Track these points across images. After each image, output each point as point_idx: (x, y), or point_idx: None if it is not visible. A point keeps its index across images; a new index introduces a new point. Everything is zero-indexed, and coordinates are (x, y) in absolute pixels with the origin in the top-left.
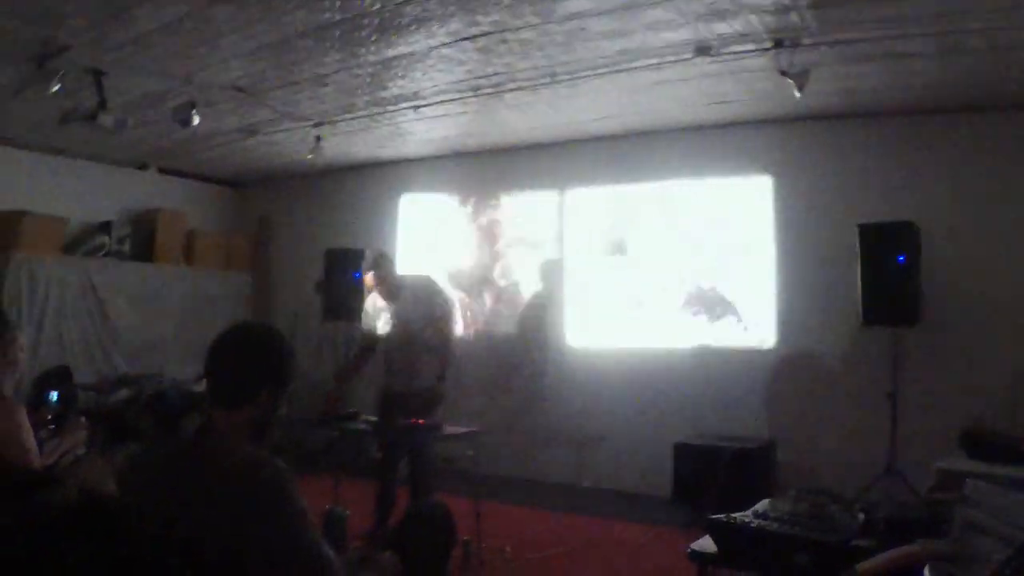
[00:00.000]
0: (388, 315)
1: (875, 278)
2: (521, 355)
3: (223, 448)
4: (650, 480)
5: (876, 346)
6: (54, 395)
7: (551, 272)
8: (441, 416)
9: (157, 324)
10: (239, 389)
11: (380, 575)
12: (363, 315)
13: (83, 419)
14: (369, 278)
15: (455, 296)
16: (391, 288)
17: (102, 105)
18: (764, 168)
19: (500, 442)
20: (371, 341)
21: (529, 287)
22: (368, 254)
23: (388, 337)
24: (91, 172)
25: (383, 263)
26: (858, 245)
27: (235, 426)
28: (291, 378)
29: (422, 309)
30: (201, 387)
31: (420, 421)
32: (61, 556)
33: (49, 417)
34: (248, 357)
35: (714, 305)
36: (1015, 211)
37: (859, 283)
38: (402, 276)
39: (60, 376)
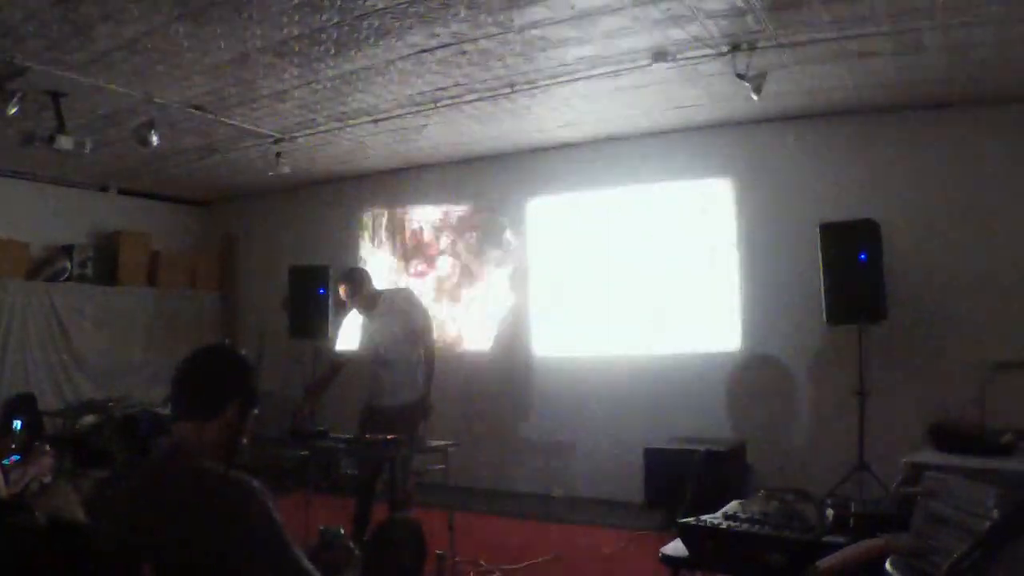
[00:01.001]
0: (368, 330)
1: (838, 277)
2: (491, 367)
3: (196, 468)
4: (622, 486)
5: (842, 344)
6: (18, 423)
7: (518, 283)
8: (424, 429)
9: (123, 347)
10: (207, 401)
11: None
12: (333, 334)
13: (47, 447)
14: (343, 291)
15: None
16: (368, 301)
17: (60, 127)
18: (725, 171)
19: (472, 454)
20: (339, 359)
21: (497, 299)
22: (342, 269)
23: (373, 352)
24: (52, 195)
25: (356, 276)
26: (820, 244)
27: (205, 443)
28: (256, 391)
29: (403, 320)
30: (168, 410)
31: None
32: None
33: (13, 446)
34: (214, 369)
35: (679, 310)
36: (975, 206)
37: (822, 282)
38: (380, 290)
39: (25, 403)
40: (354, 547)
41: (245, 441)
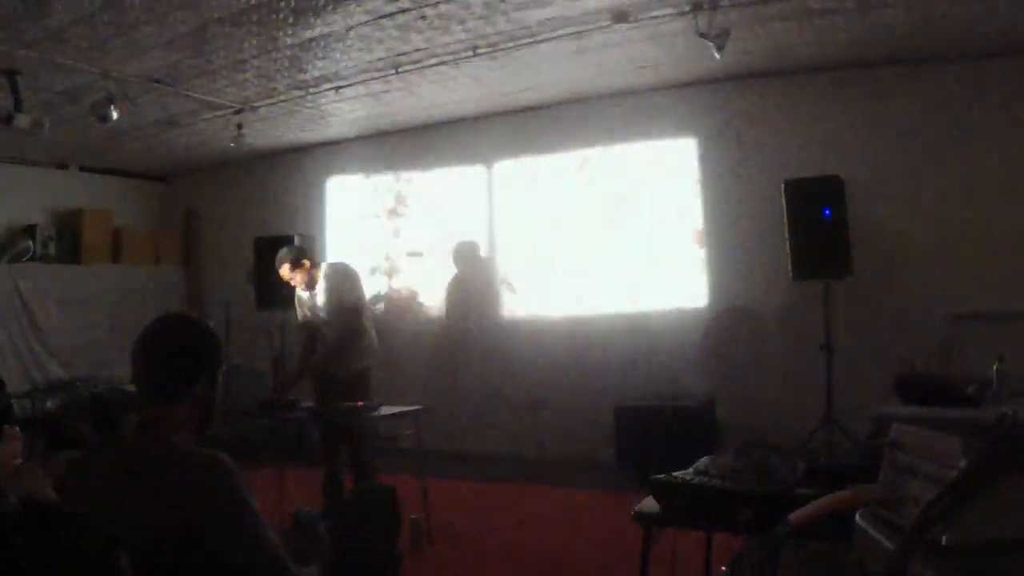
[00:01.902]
0: (309, 304)
1: (802, 233)
2: (455, 333)
3: (167, 446)
4: (594, 446)
5: (808, 300)
6: None
7: (466, 255)
8: (376, 396)
9: (89, 326)
10: (178, 383)
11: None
12: (297, 303)
13: (17, 429)
14: (285, 271)
15: (384, 280)
16: (311, 279)
17: (17, 106)
18: (690, 130)
19: (443, 419)
20: (311, 328)
21: (453, 268)
22: (281, 251)
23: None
24: (11, 174)
25: (293, 253)
26: (784, 201)
27: (177, 422)
28: (222, 360)
29: (334, 299)
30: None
31: (359, 404)
32: (4, 564)
33: None
34: (180, 348)
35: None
36: (937, 162)
37: (787, 238)
38: (320, 265)
39: None
40: (325, 534)
41: (214, 414)
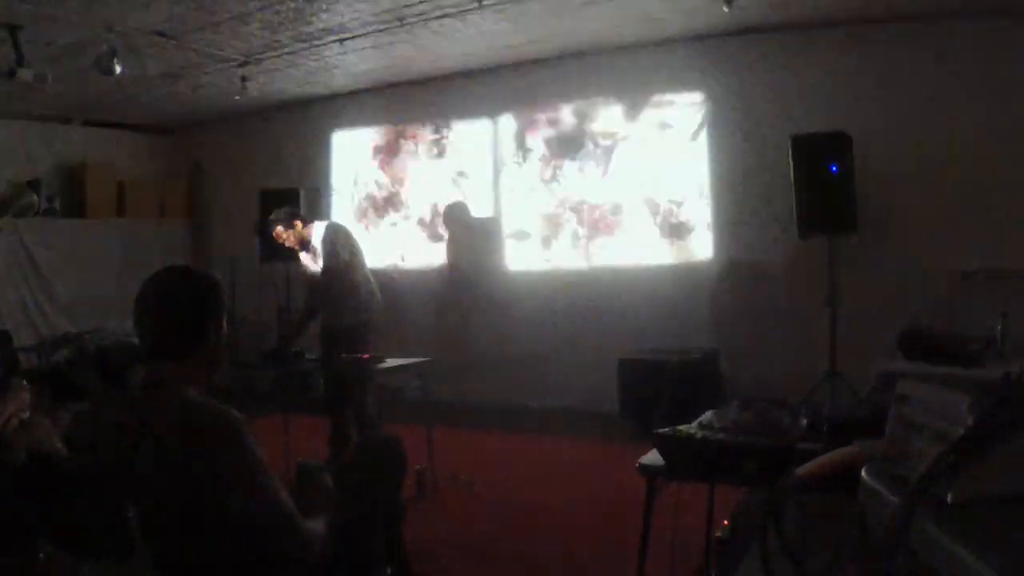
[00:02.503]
0: (304, 261)
1: (809, 188)
2: (460, 285)
3: (178, 401)
4: (598, 397)
5: (813, 255)
6: None
7: (456, 216)
8: (378, 348)
9: (95, 280)
10: (186, 337)
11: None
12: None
13: (24, 382)
14: (278, 231)
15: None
16: (304, 240)
17: (20, 60)
18: (696, 84)
19: (448, 370)
20: (312, 284)
21: (471, 214)
22: (274, 212)
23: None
24: (14, 129)
25: (284, 214)
26: (791, 156)
27: (187, 375)
28: (225, 309)
29: (325, 256)
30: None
31: (366, 356)
32: (15, 517)
33: None
34: (186, 301)
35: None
36: (946, 118)
37: (793, 194)
38: (312, 225)
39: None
40: (329, 484)
41: (221, 364)
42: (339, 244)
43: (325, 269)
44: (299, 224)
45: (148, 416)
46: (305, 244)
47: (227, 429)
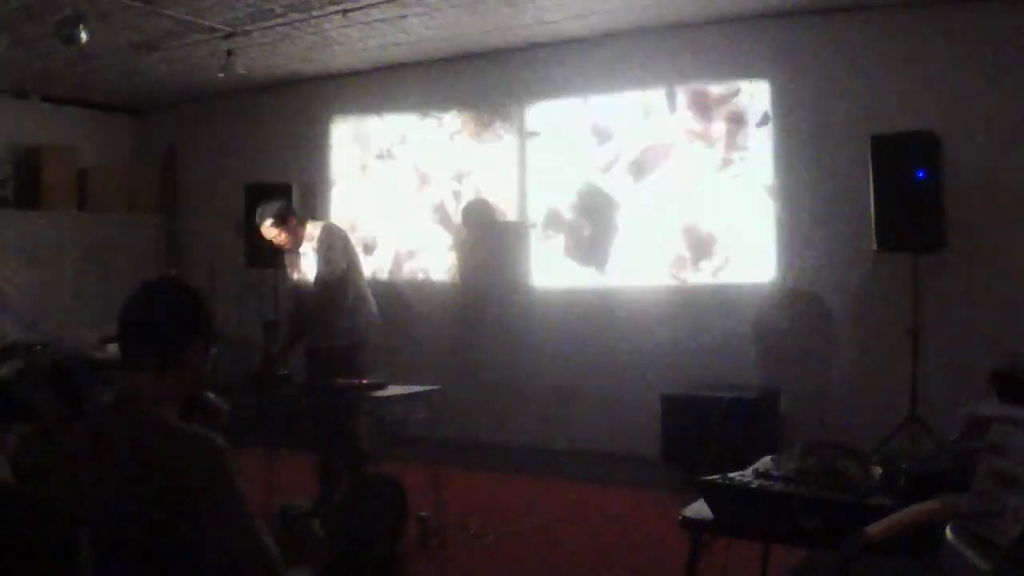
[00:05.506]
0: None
1: (891, 197)
2: (480, 303)
3: (150, 420)
4: (635, 438)
5: (893, 276)
6: None
7: (477, 216)
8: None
9: (50, 281)
10: (167, 345)
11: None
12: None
13: None
14: (267, 228)
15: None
16: (298, 240)
17: None
18: (761, 71)
19: (461, 401)
20: (298, 295)
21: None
22: (262, 206)
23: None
24: None
25: (276, 208)
26: (870, 159)
27: (161, 392)
28: (214, 331)
29: (319, 266)
30: (106, 353)
31: (365, 381)
32: None
33: None
34: (172, 307)
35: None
36: None
37: (872, 203)
38: (307, 223)
39: None
40: (320, 531)
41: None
42: (337, 250)
43: (318, 279)
44: (293, 221)
45: (114, 438)
46: (298, 244)
47: (208, 457)
